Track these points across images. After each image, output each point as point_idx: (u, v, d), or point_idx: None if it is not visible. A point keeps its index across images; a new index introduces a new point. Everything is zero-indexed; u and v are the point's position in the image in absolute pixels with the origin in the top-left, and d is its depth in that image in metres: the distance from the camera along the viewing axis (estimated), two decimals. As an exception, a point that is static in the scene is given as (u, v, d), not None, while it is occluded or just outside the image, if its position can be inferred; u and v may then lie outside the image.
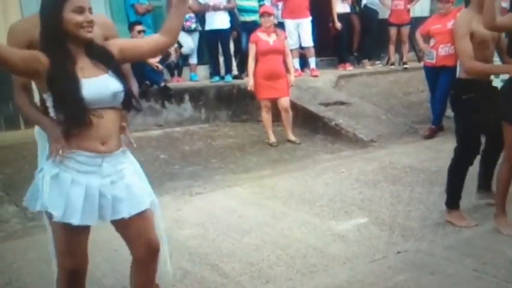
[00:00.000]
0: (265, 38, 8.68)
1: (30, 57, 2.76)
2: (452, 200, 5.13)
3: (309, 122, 9.56)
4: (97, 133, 2.89)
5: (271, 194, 6.22)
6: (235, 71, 11.47)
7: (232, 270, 4.40)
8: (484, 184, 5.46)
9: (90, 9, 2.90)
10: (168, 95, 10.27)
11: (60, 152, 2.86)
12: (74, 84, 2.79)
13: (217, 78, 11.22)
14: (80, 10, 2.84)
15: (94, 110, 2.84)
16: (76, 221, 2.86)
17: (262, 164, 7.72)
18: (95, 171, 2.92)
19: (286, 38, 9.17)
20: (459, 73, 5.10)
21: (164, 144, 8.98)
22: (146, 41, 3.33)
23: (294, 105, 9.54)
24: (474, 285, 4.00)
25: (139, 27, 9.91)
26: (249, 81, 8.85)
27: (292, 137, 8.86)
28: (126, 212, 2.99)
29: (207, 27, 10.99)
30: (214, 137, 9.50)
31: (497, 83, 5.40)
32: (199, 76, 11.57)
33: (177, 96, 10.39)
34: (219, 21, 10.87)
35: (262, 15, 8.89)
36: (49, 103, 2.88)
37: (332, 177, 6.76)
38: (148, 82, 9.93)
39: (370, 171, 6.88)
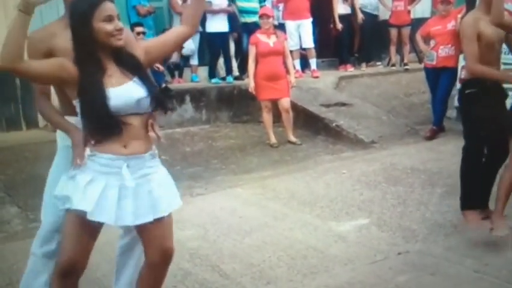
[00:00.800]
0: (265, 39, 8.68)
1: (55, 67, 2.80)
2: (465, 201, 4.93)
3: (310, 123, 9.55)
4: (119, 137, 2.91)
5: (272, 195, 6.22)
6: (236, 72, 11.46)
7: (233, 271, 4.40)
8: (482, 201, 5.09)
9: (118, 16, 2.93)
10: (169, 96, 10.27)
11: (78, 160, 2.91)
12: (101, 95, 2.82)
13: (216, 79, 11.24)
14: (110, 18, 2.86)
15: (122, 116, 2.87)
16: (88, 209, 2.87)
17: (263, 165, 7.73)
18: (116, 172, 2.93)
19: (286, 39, 9.15)
20: (466, 74, 5.02)
21: (165, 145, 8.93)
22: (169, 34, 3.36)
23: (295, 106, 9.54)
24: (475, 286, 4.01)
25: (139, 29, 9.92)
26: (249, 83, 8.85)
27: (292, 138, 8.84)
28: (151, 216, 3.00)
29: (209, 29, 10.98)
30: (215, 138, 9.51)
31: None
32: (200, 77, 11.57)
33: (178, 97, 10.39)
34: (221, 23, 10.93)
35: (261, 17, 8.92)
36: (77, 109, 2.91)
37: (333, 178, 6.76)
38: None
39: (371, 172, 6.88)
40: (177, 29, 3.30)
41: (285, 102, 8.76)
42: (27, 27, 2.67)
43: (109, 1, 2.91)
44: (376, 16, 12.86)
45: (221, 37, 11.06)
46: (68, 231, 3.01)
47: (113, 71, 2.94)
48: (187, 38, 3.40)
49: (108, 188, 2.91)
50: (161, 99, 3.11)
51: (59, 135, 3.46)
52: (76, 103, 2.89)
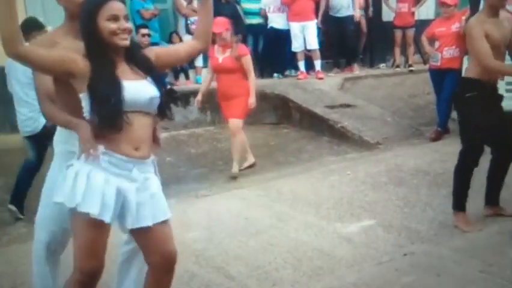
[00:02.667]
0: (217, 54, 7.44)
1: (64, 57, 2.82)
2: (458, 202, 5.08)
3: (314, 124, 9.54)
4: (130, 137, 2.92)
5: (277, 196, 6.21)
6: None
7: (238, 273, 4.40)
8: (491, 198, 5.29)
9: (126, 17, 2.95)
10: (174, 98, 10.24)
11: (91, 151, 2.87)
12: (115, 86, 2.84)
13: (278, 75, 11.81)
14: (115, 18, 2.88)
15: (129, 112, 2.88)
16: (108, 219, 2.88)
17: (268, 166, 7.72)
18: (125, 175, 2.94)
19: (245, 55, 7.42)
20: (464, 72, 5.06)
21: (170, 147, 8.97)
22: (183, 46, 3.47)
23: (299, 108, 9.57)
24: (480, 287, 4.01)
25: (144, 31, 9.95)
26: (197, 96, 7.95)
27: (235, 169, 7.34)
28: (150, 220, 2.99)
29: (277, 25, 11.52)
30: (219, 140, 9.50)
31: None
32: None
33: (183, 99, 10.38)
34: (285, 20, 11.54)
35: (215, 34, 6.99)
36: (84, 103, 2.90)
37: (337, 179, 6.75)
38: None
39: (376, 173, 6.87)
40: (190, 43, 3.34)
41: (232, 124, 7.46)
42: (15, 7, 2.64)
43: (117, 1, 2.93)
44: (347, 17, 12.20)
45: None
46: (87, 237, 2.98)
47: (124, 68, 2.97)
48: (198, 52, 3.46)
49: (118, 191, 2.92)
50: (167, 105, 3.13)
51: (59, 139, 3.46)
52: (83, 96, 2.87)
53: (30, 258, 4.63)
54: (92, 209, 2.84)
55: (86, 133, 2.93)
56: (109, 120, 2.84)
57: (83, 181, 2.87)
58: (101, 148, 2.89)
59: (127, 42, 2.95)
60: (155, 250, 3.09)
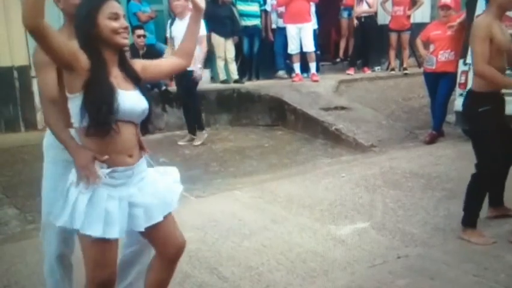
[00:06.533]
0: None
1: (69, 50, 2.75)
2: (470, 219, 4.90)
3: (309, 126, 9.55)
4: (123, 146, 2.92)
5: (271, 198, 6.20)
6: (235, 75, 11.44)
7: (231, 274, 4.40)
8: (496, 199, 5.20)
9: (124, 16, 2.95)
10: (169, 99, 10.27)
11: (90, 178, 2.84)
12: (111, 92, 2.81)
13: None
14: (116, 16, 2.87)
15: (121, 122, 2.87)
16: (115, 235, 2.88)
17: (262, 168, 7.72)
18: (125, 182, 2.96)
19: None
20: (471, 85, 4.89)
21: (165, 148, 8.97)
22: (166, 62, 3.45)
23: (294, 110, 9.57)
24: (474, 291, 4.00)
25: (139, 32, 9.94)
26: None
27: None
28: (160, 215, 3.04)
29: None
30: (214, 141, 9.50)
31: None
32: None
33: (178, 100, 10.37)
34: None
35: None
36: (72, 105, 2.85)
37: (332, 181, 6.74)
38: (148, 85, 9.94)
39: (370, 176, 6.87)
40: (173, 59, 3.36)
41: None
42: None
43: (115, 0, 2.92)
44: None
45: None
46: (95, 252, 2.96)
47: (117, 74, 2.94)
48: (181, 69, 3.44)
49: (121, 201, 2.93)
50: (149, 118, 3.13)
51: (50, 142, 3.41)
52: (77, 96, 2.81)
53: (24, 258, 4.63)
54: (95, 231, 2.83)
55: (84, 160, 2.88)
56: (100, 125, 2.80)
57: (83, 203, 2.85)
58: (103, 170, 2.87)
59: (127, 42, 2.96)
60: (168, 242, 3.17)
